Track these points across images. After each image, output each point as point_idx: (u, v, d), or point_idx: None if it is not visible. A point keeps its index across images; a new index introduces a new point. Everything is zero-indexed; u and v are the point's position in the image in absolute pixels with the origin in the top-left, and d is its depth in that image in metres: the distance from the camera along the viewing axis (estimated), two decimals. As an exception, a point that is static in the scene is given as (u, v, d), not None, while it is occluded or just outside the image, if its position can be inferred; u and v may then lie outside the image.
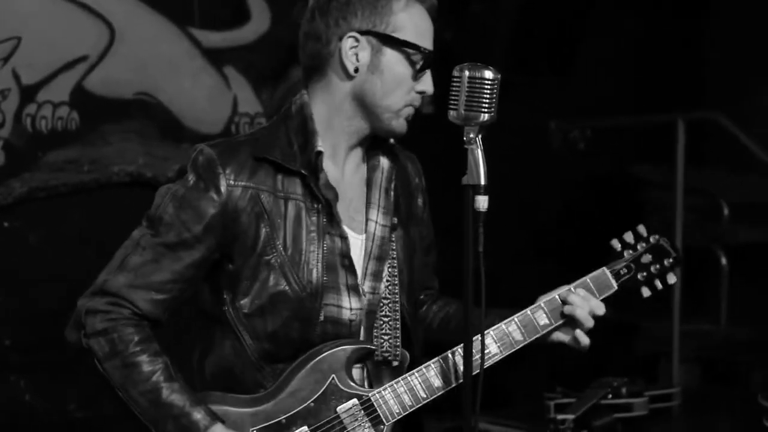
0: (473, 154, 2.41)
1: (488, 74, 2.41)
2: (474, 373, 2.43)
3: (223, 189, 2.46)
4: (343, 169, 2.58)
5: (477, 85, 2.40)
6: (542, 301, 2.65)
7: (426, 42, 2.55)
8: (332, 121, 2.55)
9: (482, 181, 2.40)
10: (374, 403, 2.51)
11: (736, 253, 5.98)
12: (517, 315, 2.62)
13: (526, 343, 2.62)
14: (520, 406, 4.85)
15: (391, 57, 2.52)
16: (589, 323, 2.64)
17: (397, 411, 2.52)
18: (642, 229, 2.78)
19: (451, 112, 2.44)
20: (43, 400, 4.74)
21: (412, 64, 2.52)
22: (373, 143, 2.63)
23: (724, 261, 6.12)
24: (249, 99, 5.25)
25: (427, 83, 2.56)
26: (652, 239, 2.77)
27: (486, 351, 2.52)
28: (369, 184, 2.61)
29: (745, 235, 6.37)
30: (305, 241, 2.49)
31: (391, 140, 2.64)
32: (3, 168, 4.61)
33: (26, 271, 4.69)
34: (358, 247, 2.56)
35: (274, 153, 2.51)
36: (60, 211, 4.77)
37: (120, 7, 4.88)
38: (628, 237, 2.77)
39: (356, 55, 2.52)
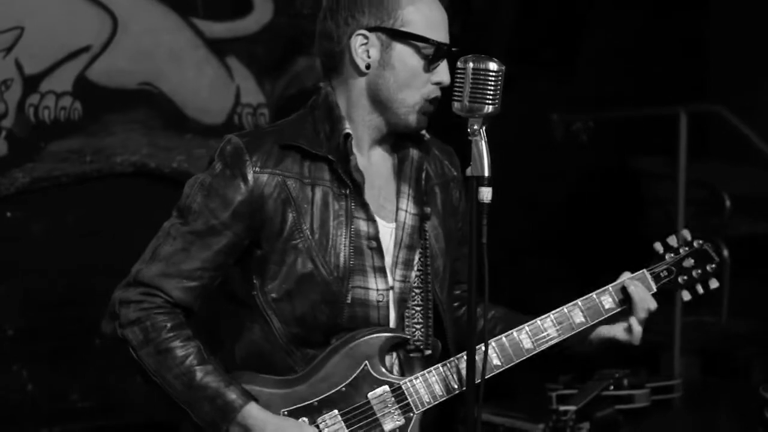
0: (477, 146, 2.42)
1: (493, 66, 2.41)
2: (506, 367, 2.54)
3: (249, 176, 2.49)
4: (370, 159, 2.59)
5: (481, 77, 2.40)
6: (579, 299, 2.66)
7: (437, 33, 2.54)
8: (353, 116, 2.57)
9: (486, 173, 2.40)
10: (405, 392, 2.52)
11: (737, 246, 5.98)
12: (553, 312, 2.64)
13: (559, 339, 2.62)
14: (523, 397, 4.85)
15: (402, 51, 2.52)
16: (645, 310, 2.65)
17: (428, 400, 2.53)
18: (686, 232, 2.77)
19: (456, 104, 2.44)
20: (45, 390, 4.75)
21: (424, 56, 2.52)
22: (404, 136, 2.62)
23: (725, 253, 6.11)
24: (252, 89, 5.26)
25: (441, 74, 2.55)
26: (695, 243, 2.76)
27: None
28: (399, 174, 2.62)
29: (746, 227, 6.36)
30: (332, 225, 2.51)
31: (423, 132, 2.63)
32: (6, 158, 4.62)
33: (29, 261, 4.70)
34: (388, 235, 2.57)
35: (300, 140, 2.53)
36: (63, 201, 4.78)
37: (123, -3, 4.89)
38: (672, 240, 2.75)
39: (367, 51, 2.53)
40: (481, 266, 2.39)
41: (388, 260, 2.56)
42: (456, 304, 2.77)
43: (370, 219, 2.54)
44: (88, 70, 4.80)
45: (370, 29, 2.52)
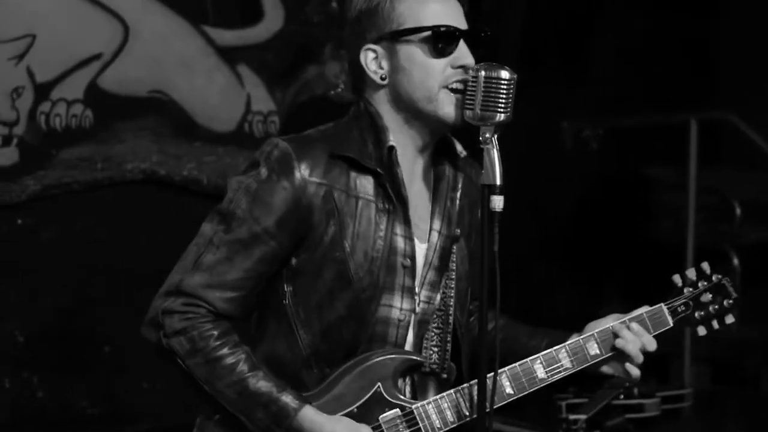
0: (489, 154, 2.41)
1: (504, 74, 2.41)
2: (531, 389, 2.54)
3: (297, 184, 2.45)
4: (411, 175, 2.56)
5: (493, 85, 2.41)
6: (596, 330, 2.64)
7: (435, 19, 2.50)
8: (392, 127, 2.53)
9: (498, 181, 2.40)
10: (416, 416, 2.50)
11: (748, 253, 5.97)
12: (568, 342, 2.61)
13: (574, 371, 2.61)
14: (532, 406, 4.84)
15: (406, 50, 2.50)
16: (639, 359, 2.63)
17: (439, 426, 2.51)
18: (706, 266, 2.75)
19: (467, 112, 2.44)
20: (55, 396, 4.75)
21: (429, 45, 2.49)
22: (441, 153, 2.60)
23: (735, 261, 6.10)
24: (262, 97, 5.26)
25: (459, 57, 2.50)
26: (714, 278, 2.74)
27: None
28: (435, 194, 2.60)
29: (757, 235, 6.35)
30: (372, 241, 2.48)
31: (460, 150, 2.60)
32: (17, 165, 4.62)
33: (39, 267, 4.70)
34: (420, 255, 2.55)
35: (351, 150, 2.50)
36: (73, 208, 4.79)
37: (134, 5, 4.89)
38: (691, 273, 2.74)
39: (378, 64, 2.52)
40: (492, 276, 2.39)
41: (417, 281, 2.54)
42: (471, 320, 2.75)
43: (409, 237, 2.51)
44: (99, 78, 4.81)
45: (374, 41, 2.52)
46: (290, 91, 5.34)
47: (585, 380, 2.70)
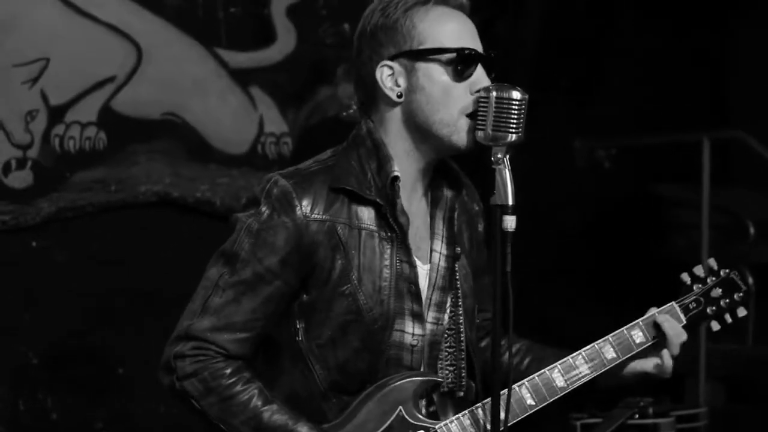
0: (501, 175, 2.42)
1: (516, 95, 2.42)
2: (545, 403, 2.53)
3: (299, 222, 2.44)
4: (411, 198, 2.55)
5: (505, 106, 2.41)
6: (610, 335, 2.64)
7: (457, 41, 2.49)
8: (396, 150, 2.52)
9: (510, 201, 2.40)
10: None
11: (762, 272, 5.95)
12: (584, 349, 2.62)
13: (592, 376, 2.60)
14: (547, 426, 4.83)
15: (426, 70, 2.48)
16: (678, 342, 2.65)
17: None
18: (713, 262, 2.76)
19: (479, 133, 2.44)
20: (69, 418, 4.75)
21: (451, 67, 2.48)
22: (437, 172, 2.60)
23: (750, 280, 6.08)
24: (275, 119, 5.27)
25: (477, 81, 2.50)
26: (722, 273, 2.75)
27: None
28: (432, 214, 2.59)
29: (771, 254, 6.33)
30: (378, 272, 2.48)
31: (453, 167, 2.61)
32: (31, 188, 4.64)
33: (54, 290, 4.71)
34: (423, 277, 2.55)
35: (350, 182, 2.49)
36: (87, 230, 4.80)
37: (147, 28, 4.91)
38: (698, 270, 2.75)
39: (395, 81, 2.50)
40: (505, 296, 2.39)
41: (423, 304, 2.54)
42: (480, 335, 2.75)
43: (411, 263, 2.51)
44: (113, 101, 4.82)
45: (392, 58, 2.50)
46: (303, 112, 5.35)
47: (603, 392, 2.70)
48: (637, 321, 2.66)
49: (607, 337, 2.63)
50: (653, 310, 2.69)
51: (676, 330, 2.64)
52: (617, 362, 2.64)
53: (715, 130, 5.99)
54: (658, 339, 2.65)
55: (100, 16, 4.79)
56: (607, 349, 2.62)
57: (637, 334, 2.64)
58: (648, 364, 2.68)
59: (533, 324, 2.79)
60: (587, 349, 2.62)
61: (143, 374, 4.54)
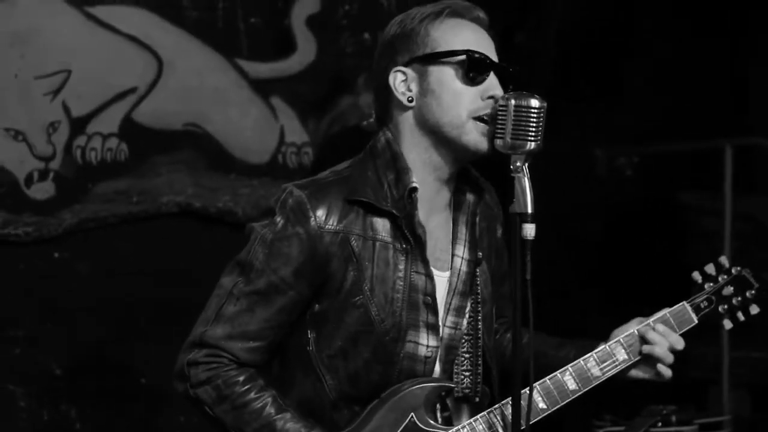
0: (520, 183, 2.41)
1: (534, 103, 2.41)
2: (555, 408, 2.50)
3: (313, 233, 2.44)
4: (431, 207, 2.54)
5: (523, 114, 2.40)
6: (621, 336, 2.63)
7: (471, 46, 2.50)
8: (412, 158, 2.52)
9: (529, 210, 2.39)
10: None
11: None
12: (595, 351, 2.61)
13: (603, 378, 2.60)
14: (570, 433, 4.82)
15: (437, 74, 2.49)
16: (669, 359, 2.64)
17: None
18: (724, 260, 2.75)
19: (498, 141, 2.43)
20: (93, 429, 4.77)
21: (462, 71, 2.49)
22: (459, 179, 2.59)
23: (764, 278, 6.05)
24: (296, 129, 5.29)
25: (489, 87, 2.50)
26: (734, 270, 2.74)
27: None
28: (455, 220, 2.59)
29: (794, 261, 6.30)
30: (392, 283, 2.47)
31: (474, 173, 2.61)
32: (53, 199, 4.67)
33: (76, 300, 4.74)
34: (443, 285, 2.55)
35: (366, 193, 2.49)
36: (109, 241, 4.82)
37: (168, 39, 4.94)
38: (710, 269, 2.74)
39: (407, 86, 2.51)
40: (525, 304, 2.39)
41: (441, 312, 2.53)
42: (497, 337, 2.75)
43: (428, 275, 2.51)
44: (134, 112, 4.85)
45: (405, 64, 2.51)
46: (324, 122, 5.36)
47: (619, 397, 2.69)
48: (647, 321, 2.65)
49: (618, 338, 2.63)
50: (665, 311, 2.68)
51: (663, 348, 2.62)
52: (629, 363, 2.63)
53: (737, 138, 5.97)
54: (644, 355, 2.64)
55: (122, 28, 4.82)
56: (618, 351, 2.62)
57: (620, 352, 2.63)
58: (647, 371, 2.66)
59: (553, 332, 2.79)
60: (598, 351, 2.61)
61: (166, 384, 4.56)
